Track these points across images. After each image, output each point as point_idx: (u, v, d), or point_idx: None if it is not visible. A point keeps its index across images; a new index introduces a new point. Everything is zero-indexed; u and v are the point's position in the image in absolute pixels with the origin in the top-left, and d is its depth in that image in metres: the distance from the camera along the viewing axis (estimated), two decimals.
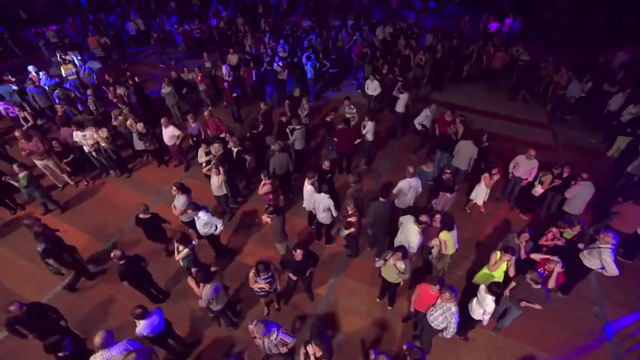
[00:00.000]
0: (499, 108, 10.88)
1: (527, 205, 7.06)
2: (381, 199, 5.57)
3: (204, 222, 5.51)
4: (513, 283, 4.69)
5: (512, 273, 4.79)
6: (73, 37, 14.50)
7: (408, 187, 6.01)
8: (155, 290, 5.59)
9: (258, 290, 4.81)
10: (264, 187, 6.29)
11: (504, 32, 14.47)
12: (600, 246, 4.97)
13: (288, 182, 7.36)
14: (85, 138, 7.46)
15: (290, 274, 5.12)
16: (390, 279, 4.92)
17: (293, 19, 14.99)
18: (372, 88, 9.65)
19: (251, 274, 4.64)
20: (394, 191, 6.15)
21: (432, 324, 4.34)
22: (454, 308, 4.07)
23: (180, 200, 5.80)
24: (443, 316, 4.17)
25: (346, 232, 5.63)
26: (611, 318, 5.46)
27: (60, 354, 3.83)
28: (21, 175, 6.62)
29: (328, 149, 7.90)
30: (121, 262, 4.87)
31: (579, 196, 6.04)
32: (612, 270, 4.91)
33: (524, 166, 6.61)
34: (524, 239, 5.12)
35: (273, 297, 5.28)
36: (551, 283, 4.80)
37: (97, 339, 3.66)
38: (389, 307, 5.52)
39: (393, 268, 4.70)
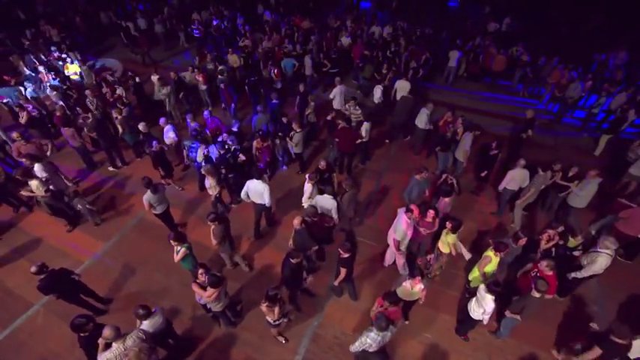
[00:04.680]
0: (499, 108, 10.88)
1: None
2: (409, 95, 8.44)
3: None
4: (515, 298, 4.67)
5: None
6: (76, 37, 14.49)
7: (340, 92, 8.96)
8: (95, 300, 5.42)
9: (273, 322, 4.49)
10: (265, 148, 7.08)
11: (503, 32, 14.45)
12: (599, 250, 4.97)
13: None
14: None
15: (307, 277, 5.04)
16: (408, 298, 4.76)
17: (292, 19, 14.96)
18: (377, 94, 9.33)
19: (264, 309, 4.30)
20: (330, 96, 9.14)
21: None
22: (372, 334, 3.87)
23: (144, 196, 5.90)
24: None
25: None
26: (611, 318, 5.45)
27: (82, 334, 4.04)
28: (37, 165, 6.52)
29: (329, 148, 7.93)
30: (41, 277, 4.65)
31: (589, 193, 6.10)
32: (586, 272, 5.00)
33: (517, 178, 6.45)
34: (522, 243, 5.10)
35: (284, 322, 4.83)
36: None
37: (107, 332, 3.71)
38: (406, 322, 5.33)
39: (411, 290, 4.59)
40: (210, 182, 6.33)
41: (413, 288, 4.57)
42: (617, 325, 3.93)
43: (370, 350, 3.99)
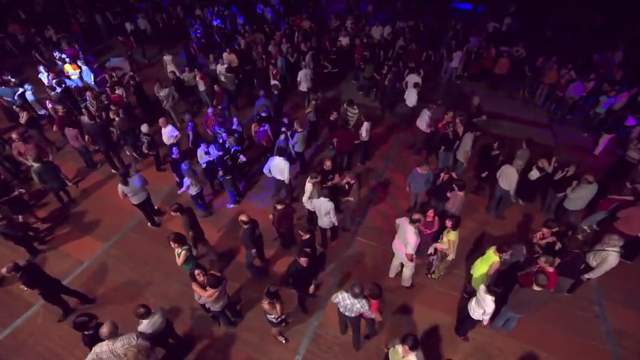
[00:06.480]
0: (500, 108, 10.86)
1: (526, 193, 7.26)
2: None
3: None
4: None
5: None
6: (75, 38, 14.46)
7: (304, 75, 9.70)
8: (75, 296, 5.46)
9: (275, 319, 4.46)
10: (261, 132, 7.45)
11: (503, 32, 14.40)
12: (606, 249, 4.97)
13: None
14: None
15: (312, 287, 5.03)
16: None
17: (292, 20, 14.95)
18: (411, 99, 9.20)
19: (266, 306, 4.26)
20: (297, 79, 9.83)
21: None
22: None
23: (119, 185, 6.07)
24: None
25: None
26: (611, 318, 5.45)
27: (86, 332, 4.11)
28: (35, 165, 6.54)
29: (329, 148, 7.95)
30: (19, 274, 4.78)
31: (583, 197, 6.09)
32: (599, 272, 5.02)
33: (507, 174, 6.44)
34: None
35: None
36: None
37: (104, 329, 3.73)
38: None
39: (401, 358, 3.72)
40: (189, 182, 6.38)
41: (404, 357, 3.65)
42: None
43: (340, 309, 4.42)
